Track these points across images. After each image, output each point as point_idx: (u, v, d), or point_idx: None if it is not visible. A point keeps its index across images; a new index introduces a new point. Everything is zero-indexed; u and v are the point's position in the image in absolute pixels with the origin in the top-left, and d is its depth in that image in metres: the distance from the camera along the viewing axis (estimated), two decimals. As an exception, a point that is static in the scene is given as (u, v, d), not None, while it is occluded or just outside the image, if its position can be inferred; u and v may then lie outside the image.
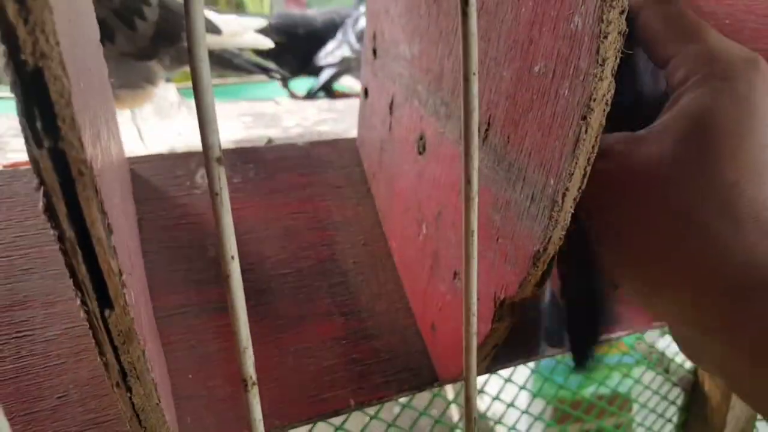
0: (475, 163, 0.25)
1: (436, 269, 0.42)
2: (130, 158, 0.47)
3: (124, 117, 0.68)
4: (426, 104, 0.40)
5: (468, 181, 0.26)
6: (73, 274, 0.19)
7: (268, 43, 0.66)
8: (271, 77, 0.71)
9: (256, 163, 0.53)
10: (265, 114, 0.86)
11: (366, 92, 0.50)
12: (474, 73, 0.25)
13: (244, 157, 0.53)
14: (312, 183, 0.52)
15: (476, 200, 0.26)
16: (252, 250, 0.46)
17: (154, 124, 0.74)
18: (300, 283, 0.45)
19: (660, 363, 0.83)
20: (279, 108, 0.88)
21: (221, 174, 0.20)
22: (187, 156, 0.48)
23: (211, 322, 0.40)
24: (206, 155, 0.20)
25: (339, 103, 0.92)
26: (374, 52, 0.47)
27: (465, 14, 0.24)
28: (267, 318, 0.42)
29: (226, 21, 0.65)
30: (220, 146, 0.20)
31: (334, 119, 0.83)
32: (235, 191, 0.51)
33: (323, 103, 0.89)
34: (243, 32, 0.66)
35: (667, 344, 0.87)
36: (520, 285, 0.32)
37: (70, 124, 0.17)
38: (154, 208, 0.44)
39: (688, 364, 0.83)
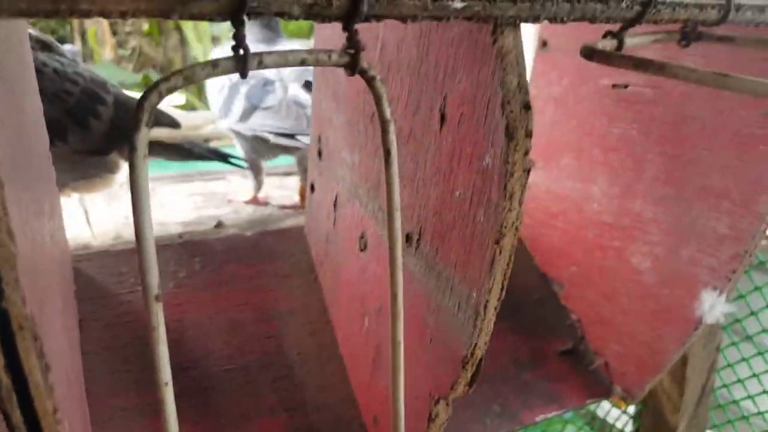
0: (400, 284, 0.27)
1: (378, 363, 0.44)
2: (74, 255, 0.48)
3: (71, 199, 0.68)
4: (366, 207, 0.42)
5: (394, 298, 0.28)
6: (7, 418, 0.20)
7: (228, 134, 0.70)
8: (232, 164, 0.73)
9: (204, 255, 0.54)
10: (217, 193, 0.88)
11: (312, 187, 0.53)
12: (397, 209, 0.28)
13: (191, 250, 0.54)
14: (259, 273, 0.54)
15: (402, 315, 0.28)
16: (196, 346, 0.46)
17: (102, 207, 0.75)
18: (244, 379, 0.46)
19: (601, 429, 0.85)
20: (230, 186, 0.90)
21: (159, 311, 0.21)
22: (132, 252, 0.49)
23: (150, 426, 0.40)
24: (145, 294, 0.21)
25: (290, 180, 0.95)
26: (319, 153, 0.50)
27: (388, 163, 0.27)
28: (209, 418, 0.42)
29: (187, 116, 0.68)
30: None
31: (286, 196, 0.85)
32: (180, 286, 0.51)
33: (274, 179, 0.92)
34: (203, 125, 0.69)
35: (606, 411, 0.90)
36: (451, 386, 0.34)
37: (13, 286, 0.18)
38: (96, 308, 0.45)
39: (628, 429, 0.85)
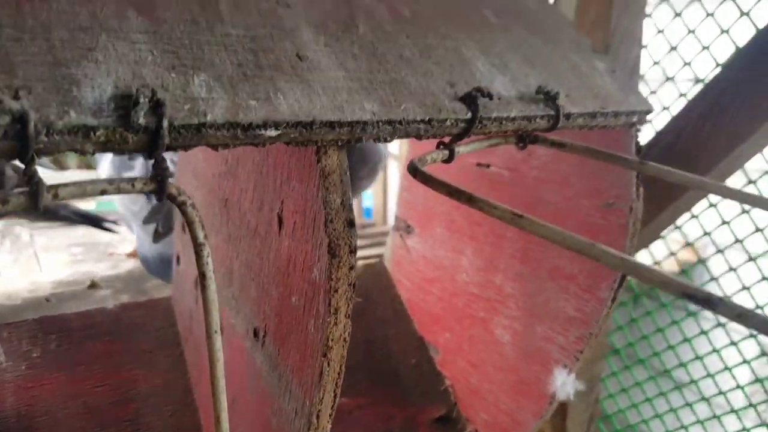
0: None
1: (236, 452, 0.42)
2: None
3: None
4: (222, 293, 0.41)
5: (216, 401, 0.27)
6: None
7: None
8: (105, 229, 0.69)
9: (60, 332, 0.50)
10: (98, 244, 0.83)
11: (178, 259, 0.51)
12: (216, 331, 0.27)
13: (48, 327, 0.50)
14: (120, 350, 0.50)
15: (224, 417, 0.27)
16: (37, 440, 0.42)
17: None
18: (89, 475, 0.42)
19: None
20: (114, 236, 0.85)
21: None
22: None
23: None
24: None
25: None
26: (183, 227, 0.48)
27: (203, 286, 0.26)
28: None
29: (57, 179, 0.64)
30: None
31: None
32: (32, 367, 0.47)
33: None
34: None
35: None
36: (293, 492, 0.33)
37: None
38: None
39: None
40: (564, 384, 0.46)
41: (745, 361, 0.72)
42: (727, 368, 0.73)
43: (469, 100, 0.31)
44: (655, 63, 0.68)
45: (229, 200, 0.38)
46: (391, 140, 0.29)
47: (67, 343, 0.49)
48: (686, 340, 0.76)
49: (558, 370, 0.47)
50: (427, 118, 0.29)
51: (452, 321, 0.57)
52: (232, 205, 0.38)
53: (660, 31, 0.66)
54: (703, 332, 0.75)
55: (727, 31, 0.60)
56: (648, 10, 0.65)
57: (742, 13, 0.59)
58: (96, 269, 0.71)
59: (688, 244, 0.75)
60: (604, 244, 0.44)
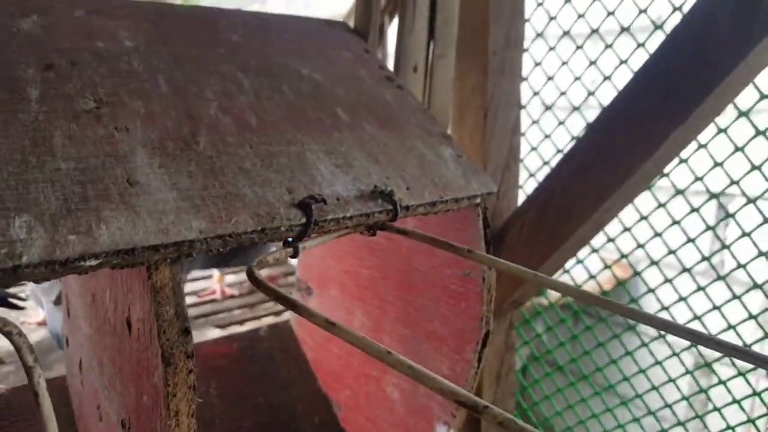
0: None
1: None
2: None
3: None
4: (100, 379, 0.42)
5: None
6: None
7: None
8: (9, 306, 0.69)
9: (-57, 421, 0.49)
10: (10, 313, 0.81)
11: (67, 341, 0.52)
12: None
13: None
14: (10, 435, 0.50)
15: None
16: None
17: None
18: None
19: None
20: (28, 302, 0.84)
21: None
22: None
23: None
24: None
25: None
26: (68, 312, 0.49)
27: (38, 404, 0.27)
28: None
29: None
30: None
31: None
32: None
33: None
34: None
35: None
36: None
37: None
38: None
39: None
40: None
41: (688, 372, 0.74)
42: (671, 380, 0.74)
43: (304, 206, 0.34)
44: (534, 122, 0.74)
45: (95, 296, 0.40)
46: (225, 250, 0.31)
47: (-46, 433, 0.49)
48: (628, 353, 0.77)
49: (439, 426, 0.50)
50: (259, 228, 0.32)
51: (350, 379, 0.59)
52: (98, 301, 0.39)
53: (536, 94, 0.72)
54: (644, 344, 0.76)
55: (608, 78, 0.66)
56: (525, 72, 0.71)
57: (622, 61, 0.65)
58: (3, 342, 0.70)
59: (623, 257, 0.77)
60: (465, 309, 0.47)
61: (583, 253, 0.77)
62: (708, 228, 0.67)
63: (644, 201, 0.73)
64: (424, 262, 0.49)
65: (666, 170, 0.65)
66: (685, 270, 0.70)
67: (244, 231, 0.31)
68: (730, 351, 0.29)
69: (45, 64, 0.34)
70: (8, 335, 0.26)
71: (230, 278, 1.21)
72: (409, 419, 0.52)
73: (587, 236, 0.65)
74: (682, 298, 0.72)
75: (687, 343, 0.75)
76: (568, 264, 0.80)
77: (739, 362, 0.72)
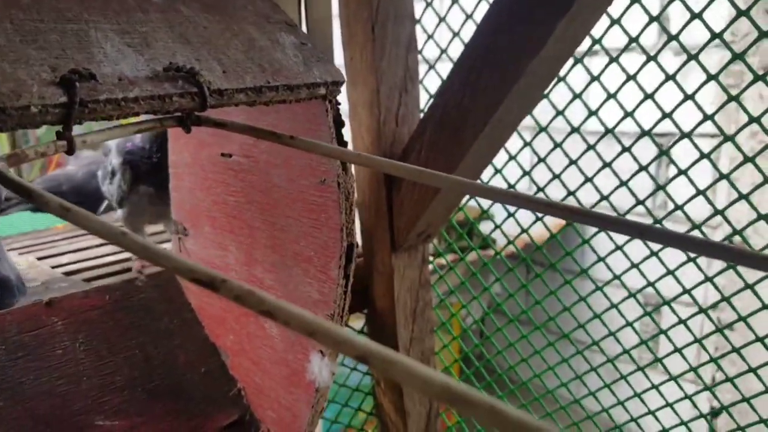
0: None
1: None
2: None
3: None
4: None
5: None
6: None
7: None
8: None
9: None
10: None
11: None
12: None
13: None
14: None
15: None
16: None
17: None
18: None
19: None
20: None
21: None
22: None
23: None
24: None
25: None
26: None
27: None
28: None
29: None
30: None
31: None
32: None
33: None
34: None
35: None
36: None
37: None
38: None
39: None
40: (320, 369, 0.45)
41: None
42: (628, 323, 0.70)
43: (66, 83, 0.28)
44: (430, 37, 0.68)
45: None
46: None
47: None
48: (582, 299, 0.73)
49: (314, 356, 0.45)
50: (2, 107, 0.26)
51: (233, 322, 0.54)
52: None
53: (429, 5, 0.67)
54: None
55: None
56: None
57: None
58: None
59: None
60: (326, 222, 0.42)
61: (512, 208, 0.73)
62: (641, 168, 0.64)
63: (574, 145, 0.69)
64: (283, 176, 0.44)
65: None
66: (620, 215, 0.67)
67: (-24, 109, 0.25)
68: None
69: None
70: None
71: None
72: (289, 355, 0.48)
73: (485, 155, 0.61)
74: (618, 248, 0.69)
75: (637, 286, 0.71)
76: (500, 218, 0.76)
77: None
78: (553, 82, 0.60)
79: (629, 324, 0.72)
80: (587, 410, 0.80)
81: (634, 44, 0.60)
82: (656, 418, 0.73)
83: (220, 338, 0.57)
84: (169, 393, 0.54)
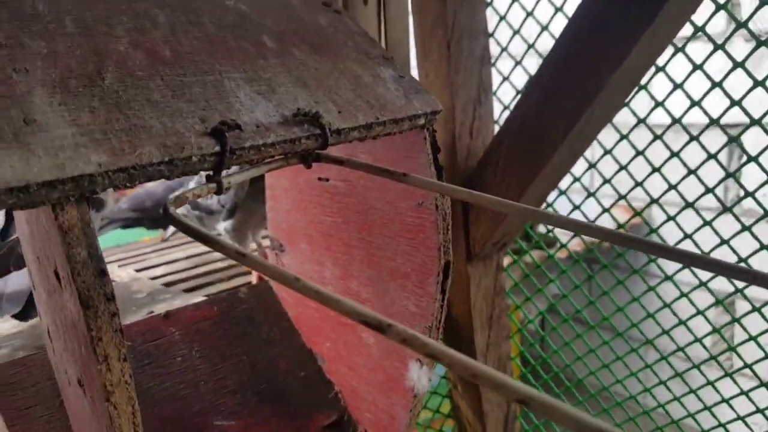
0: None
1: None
2: None
3: None
4: (58, 342, 0.42)
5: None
6: None
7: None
8: None
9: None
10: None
11: (40, 314, 0.52)
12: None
13: None
14: (-6, 412, 0.51)
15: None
16: None
17: None
18: None
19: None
20: None
21: None
22: None
23: None
24: None
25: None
26: (32, 283, 0.49)
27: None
28: None
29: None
30: None
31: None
32: None
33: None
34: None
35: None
36: None
37: None
38: None
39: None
40: (419, 377, 0.48)
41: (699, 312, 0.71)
42: (699, 312, 0.70)
43: (217, 134, 0.32)
44: (504, 50, 0.70)
45: (39, 258, 0.39)
46: (133, 186, 0.30)
47: (-62, 414, 0.50)
48: (634, 299, 0.74)
49: (412, 364, 0.48)
50: (167, 159, 0.30)
51: (329, 330, 0.58)
52: (41, 262, 0.39)
53: (502, 18, 0.69)
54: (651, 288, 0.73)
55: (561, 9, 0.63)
56: None
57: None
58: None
59: (621, 198, 0.73)
60: (423, 241, 0.46)
61: (579, 198, 0.74)
62: (710, 156, 0.64)
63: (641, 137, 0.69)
64: (380, 198, 0.48)
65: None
66: (688, 205, 0.67)
67: (150, 162, 0.30)
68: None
69: (-58, 16, 0.33)
70: None
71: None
72: (385, 361, 0.51)
73: (564, 164, 0.63)
74: (687, 236, 0.69)
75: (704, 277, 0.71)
76: (564, 211, 0.77)
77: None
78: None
79: (701, 312, 0.71)
80: (643, 406, 0.81)
81: (700, 33, 0.60)
82: (712, 414, 0.72)
83: (315, 345, 0.61)
84: (274, 396, 0.59)
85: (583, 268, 0.80)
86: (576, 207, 0.76)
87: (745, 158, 0.62)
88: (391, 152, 0.45)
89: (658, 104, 0.67)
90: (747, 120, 0.59)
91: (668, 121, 0.66)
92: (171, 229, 0.99)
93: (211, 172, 0.33)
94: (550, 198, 0.86)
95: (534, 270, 0.84)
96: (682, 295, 0.72)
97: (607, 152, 0.71)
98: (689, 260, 0.28)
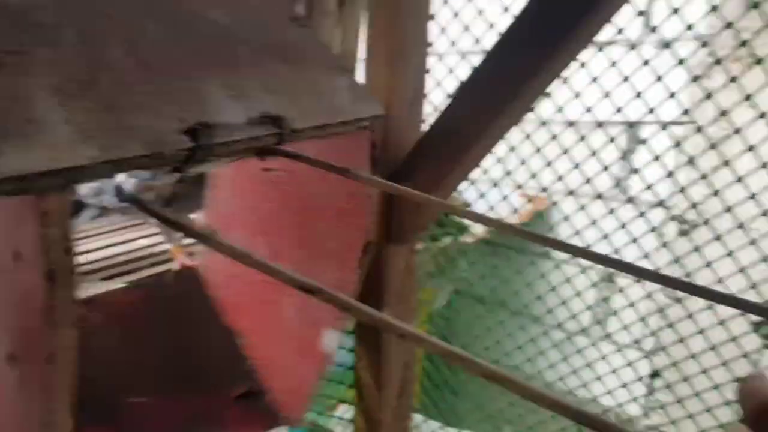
0: None
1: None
2: None
3: None
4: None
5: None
6: None
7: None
8: None
9: None
10: None
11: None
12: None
13: None
14: None
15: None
16: None
17: None
18: None
19: None
20: None
21: None
22: None
23: None
24: None
25: None
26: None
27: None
28: None
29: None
30: None
31: None
32: None
33: None
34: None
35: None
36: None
37: None
38: None
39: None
40: (330, 339, 0.55)
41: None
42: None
43: (192, 132, 0.35)
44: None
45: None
46: (115, 176, 0.33)
47: None
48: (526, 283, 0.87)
49: (326, 332, 0.55)
50: (149, 153, 0.33)
51: (251, 308, 0.63)
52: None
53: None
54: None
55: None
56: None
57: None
58: None
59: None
60: (354, 224, 0.52)
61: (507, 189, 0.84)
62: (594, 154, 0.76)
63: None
64: (320, 186, 0.53)
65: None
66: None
67: (134, 156, 0.32)
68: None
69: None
70: None
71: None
72: (302, 331, 0.57)
73: (475, 161, 0.71)
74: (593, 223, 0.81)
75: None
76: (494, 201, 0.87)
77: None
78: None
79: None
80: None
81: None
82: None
83: (237, 323, 0.65)
84: (191, 373, 0.62)
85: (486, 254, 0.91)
86: (481, 195, 0.86)
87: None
88: (336, 148, 0.50)
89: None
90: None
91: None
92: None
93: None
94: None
95: (442, 252, 0.95)
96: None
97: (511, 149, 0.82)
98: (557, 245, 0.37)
